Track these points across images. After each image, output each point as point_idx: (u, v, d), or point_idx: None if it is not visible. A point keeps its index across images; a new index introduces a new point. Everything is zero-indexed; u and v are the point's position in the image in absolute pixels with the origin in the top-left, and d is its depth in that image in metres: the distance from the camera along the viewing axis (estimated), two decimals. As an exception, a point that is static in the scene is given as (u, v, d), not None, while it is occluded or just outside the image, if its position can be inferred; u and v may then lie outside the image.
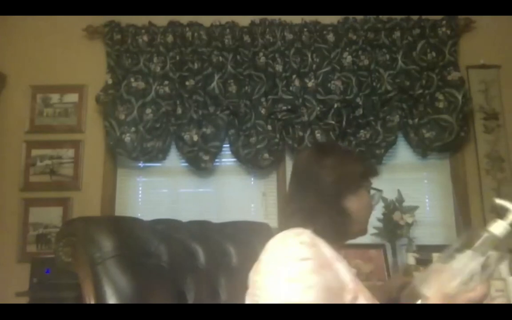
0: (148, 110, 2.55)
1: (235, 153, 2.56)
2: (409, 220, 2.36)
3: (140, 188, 2.67)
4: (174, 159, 2.64)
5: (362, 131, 2.54)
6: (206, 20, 2.62)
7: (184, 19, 2.63)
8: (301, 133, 2.53)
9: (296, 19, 2.63)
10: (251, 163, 2.54)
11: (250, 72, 2.59)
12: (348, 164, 1.09)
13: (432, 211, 2.59)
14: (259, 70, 2.59)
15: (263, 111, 2.54)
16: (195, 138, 2.53)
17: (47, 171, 2.58)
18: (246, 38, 2.62)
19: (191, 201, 2.62)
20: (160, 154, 2.58)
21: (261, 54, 2.60)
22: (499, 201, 0.88)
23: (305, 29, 2.62)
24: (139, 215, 2.60)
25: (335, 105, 2.53)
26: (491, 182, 2.53)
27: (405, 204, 2.42)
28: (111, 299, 0.92)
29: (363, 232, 1.17)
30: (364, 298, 0.90)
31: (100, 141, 2.60)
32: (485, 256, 0.84)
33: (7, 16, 2.46)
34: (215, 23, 2.64)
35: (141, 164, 2.66)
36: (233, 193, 2.61)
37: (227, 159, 2.64)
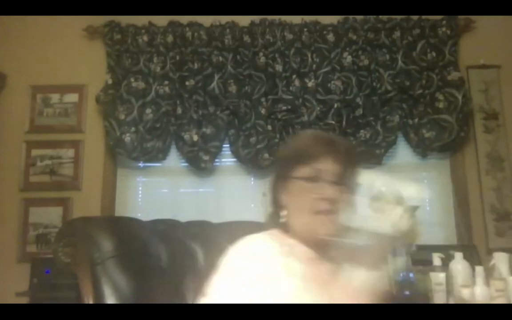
0: (148, 110, 2.55)
1: (235, 153, 2.56)
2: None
3: (140, 188, 2.67)
4: (174, 159, 2.64)
5: (362, 131, 2.54)
6: (206, 20, 2.62)
7: (184, 19, 2.63)
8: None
9: (296, 19, 2.63)
10: (251, 163, 2.54)
11: (250, 72, 2.59)
12: (287, 150, 1.08)
13: (432, 211, 2.59)
14: (259, 70, 2.59)
15: (263, 111, 2.54)
16: (195, 138, 2.53)
17: (47, 171, 2.58)
18: (246, 38, 2.62)
19: (191, 201, 2.61)
20: (160, 154, 2.58)
21: (261, 54, 2.60)
22: None
23: (305, 29, 2.62)
24: (139, 215, 2.60)
25: (335, 105, 2.53)
26: (491, 182, 2.53)
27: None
28: (110, 299, 0.92)
29: (318, 235, 0.97)
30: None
31: (100, 141, 2.60)
32: None
33: (7, 16, 2.46)
34: (215, 23, 2.63)
35: (141, 164, 2.65)
36: (233, 193, 2.61)
37: (227, 159, 2.64)
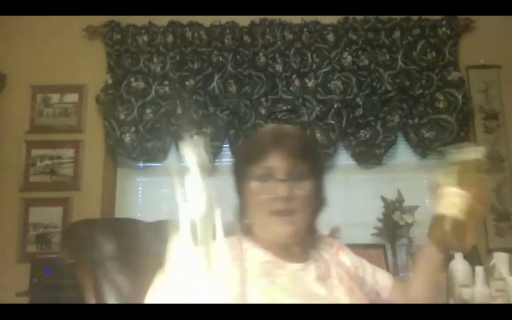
0: (148, 110, 2.55)
1: (235, 153, 2.56)
2: (409, 220, 2.36)
3: (140, 188, 2.67)
4: (174, 159, 2.64)
5: (362, 131, 2.54)
6: (206, 20, 2.62)
7: (184, 19, 2.63)
8: (301, 133, 2.53)
9: (296, 19, 2.63)
10: (251, 163, 2.54)
11: (250, 72, 2.59)
12: (241, 150, 1.11)
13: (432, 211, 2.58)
14: (259, 70, 2.59)
15: (263, 111, 2.54)
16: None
17: (47, 171, 2.58)
18: (246, 38, 2.62)
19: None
20: (160, 154, 2.58)
21: (261, 54, 2.60)
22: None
23: (305, 29, 2.62)
24: (139, 215, 2.60)
25: (335, 105, 2.53)
26: (491, 182, 2.53)
27: (405, 204, 2.42)
28: (111, 301, 0.92)
29: (273, 239, 0.93)
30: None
31: (100, 141, 2.60)
32: None
33: (7, 16, 2.46)
34: (215, 23, 2.63)
35: (141, 164, 2.66)
36: (233, 193, 2.60)
37: (227, 159, 2.64)
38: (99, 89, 2.57)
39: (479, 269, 1.66)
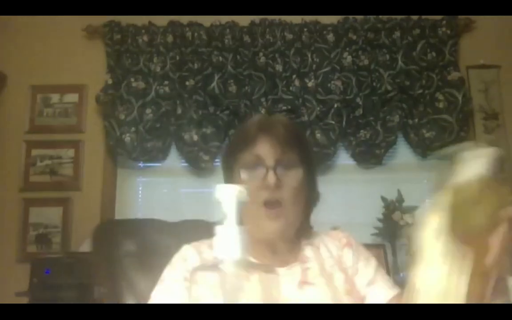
0: (148, 110, 2.55)
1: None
2: (409, 220, 2.36)
3: (140, 188, 2.67)
4: (174, 159, 2.64)
5: (362, 131, 2.54)
6: (206, 20, 2.62)
7: (184, 19, 2.63)
8: (301, 133, 2.53)
9: (296, 19, 2.63)
10: (251, 163, 2.54)
11: (250, 72, 2.59)
12: (230, 140, 1.08)
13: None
14: (259, 70, 2.59)
15: (263, 111, 2.54)
16: (195, 138, 2.53)
17: (47, 171, 2.58)
18: (246, 38, 2.62)
19: (191, 201, 2.61)
20: (160, 154, 2.58)
21: (261, 54, 2.60)
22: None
23: (305, 29, 2.62)
24: (139, 215, 2.61)
25: (335, 105, 2.53)
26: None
27: (405, 204, 2.42)
28: (128, 298, 0.94)
29: (258, 235, 0.88)
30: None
31: (100, 141, 2.60)
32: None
33: (7, 16, 2.46)
34: (215, 23, 2.63)
35: (141, 164, 2.65)
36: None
37: (227, 159, 2.64)
38: (99, 89, 2.57)
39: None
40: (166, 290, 0.89)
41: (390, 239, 2.39)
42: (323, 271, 0.92)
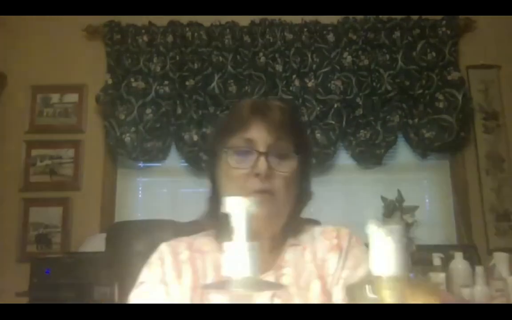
0: (148, 110, 2.55)
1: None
2: (409, 220, 2.36)
3: (140, 188, 2.67)
4: (174, 159, 2.64)
5: (362, 131, 2.54)
6: (206, 20, 2.62)
7: (184, 19, 2.63)
8: (301, 133, 2.53)
9: (296, 19, 2.63)
10: (251, 163, 2.54)
11: (250, 72, 2.59)
12: (218, 123, 1.03)
13: (432, 211, 2.59)
14: (259, 70, 2.59)
15: (263, 111, 2.54)
16: (195, 138, 2.53)
17: (47, 171, 2.58)
18: (246, 38, 2.62)
19: (191, 201, 2.61)
20: (160, 154, 2.58)
21: (261, 54, 2.60)
22: None
23: (305, 29, 2.62)
24: (139, 215, 2.61)
25: (335, 105, 2.53)
26: (491, 182, 2.53)
27: (405, 204, 2.42)
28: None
29: None
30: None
31: (100, 141, 2.60)
32: None
33: (7, 16, 2.46)
34: (215, 23, 2.63)
35: (141, 164, 2.65)
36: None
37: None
38: (99, 89, 2.57)
39: (479, 269, 1.66)
40: (144, 294, 0.87)
41: (390, 239, 2.39)
42: (298, 280, 0.84)
